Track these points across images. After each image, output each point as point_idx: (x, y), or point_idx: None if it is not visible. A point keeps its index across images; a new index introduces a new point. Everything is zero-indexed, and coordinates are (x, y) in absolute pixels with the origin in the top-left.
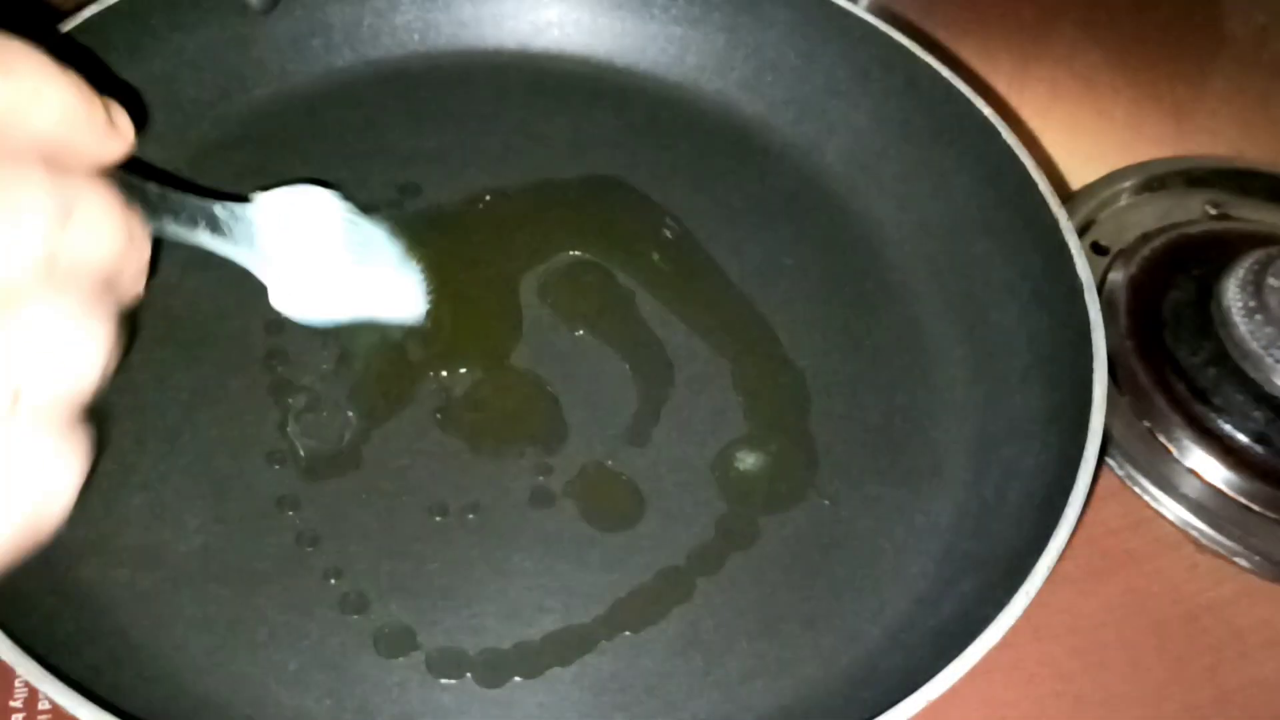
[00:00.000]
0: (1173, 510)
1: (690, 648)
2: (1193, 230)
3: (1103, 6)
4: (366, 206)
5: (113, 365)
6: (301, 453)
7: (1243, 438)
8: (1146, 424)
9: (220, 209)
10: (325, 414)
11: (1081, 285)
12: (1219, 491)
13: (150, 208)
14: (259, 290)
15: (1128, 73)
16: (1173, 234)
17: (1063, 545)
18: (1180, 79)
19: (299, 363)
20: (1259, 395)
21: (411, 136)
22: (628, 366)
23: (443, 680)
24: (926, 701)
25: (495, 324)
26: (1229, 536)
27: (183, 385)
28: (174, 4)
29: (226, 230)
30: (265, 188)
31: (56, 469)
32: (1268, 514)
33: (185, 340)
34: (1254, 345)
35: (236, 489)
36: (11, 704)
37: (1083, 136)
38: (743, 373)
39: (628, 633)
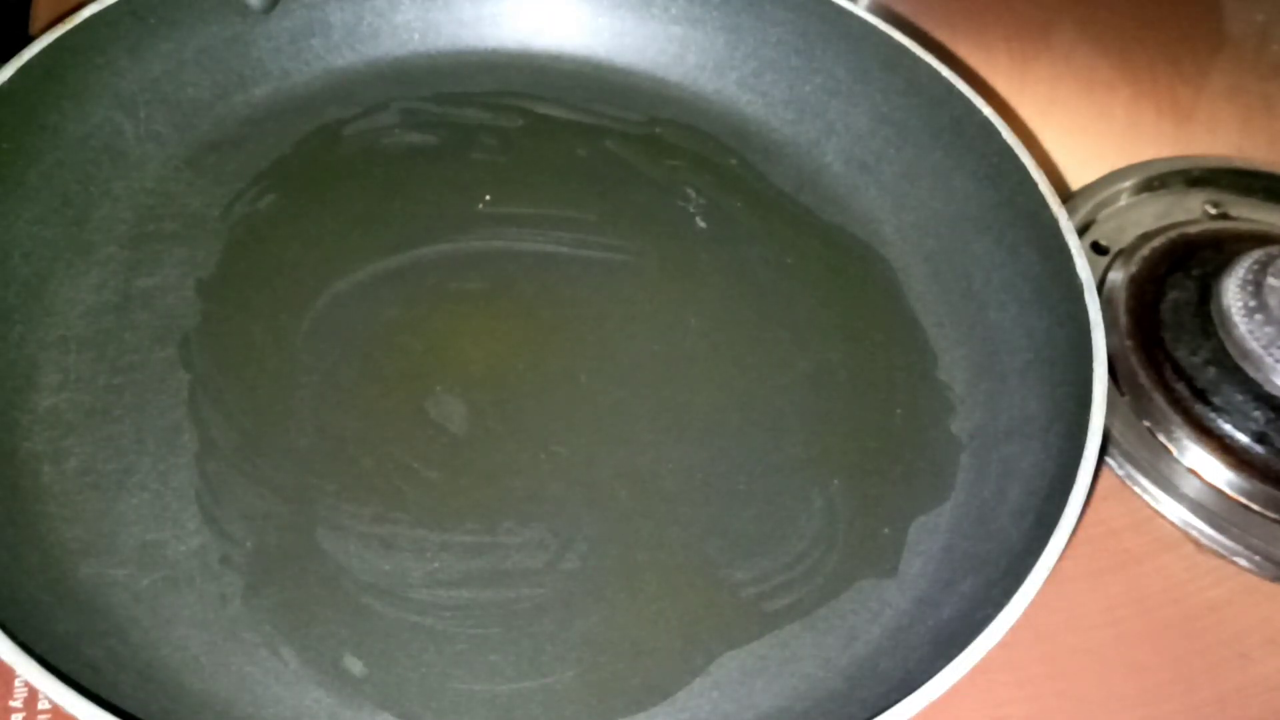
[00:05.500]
0: (1173, 510)
1: (690, 647)
2: (1193, 230)
3: (1103, 6)
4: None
5: None
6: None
7: (1243, 438)
8: (1146, 424)
9: None
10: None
11: (1081, 285)
12: (1219, 491)
13: None
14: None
15: (1128, 73)
16: (1173, 234)
17: (1063, 545)
18: (1180, 79)
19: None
20: (1259, 395)
21: (410, 137)
22: (625, 365)
23: (444, 679)
24: (926, 701)
25: (497, 331)
26: (1229, 536)
27: (182, 385)
28: (174, 4)
29: None
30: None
31: None
32: (1268, 514)
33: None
34: (1254, 345)
35: (236, 488)
36: (11, 704)
37: (1083, 136)
38: (743, 373)
39: (628, 633)
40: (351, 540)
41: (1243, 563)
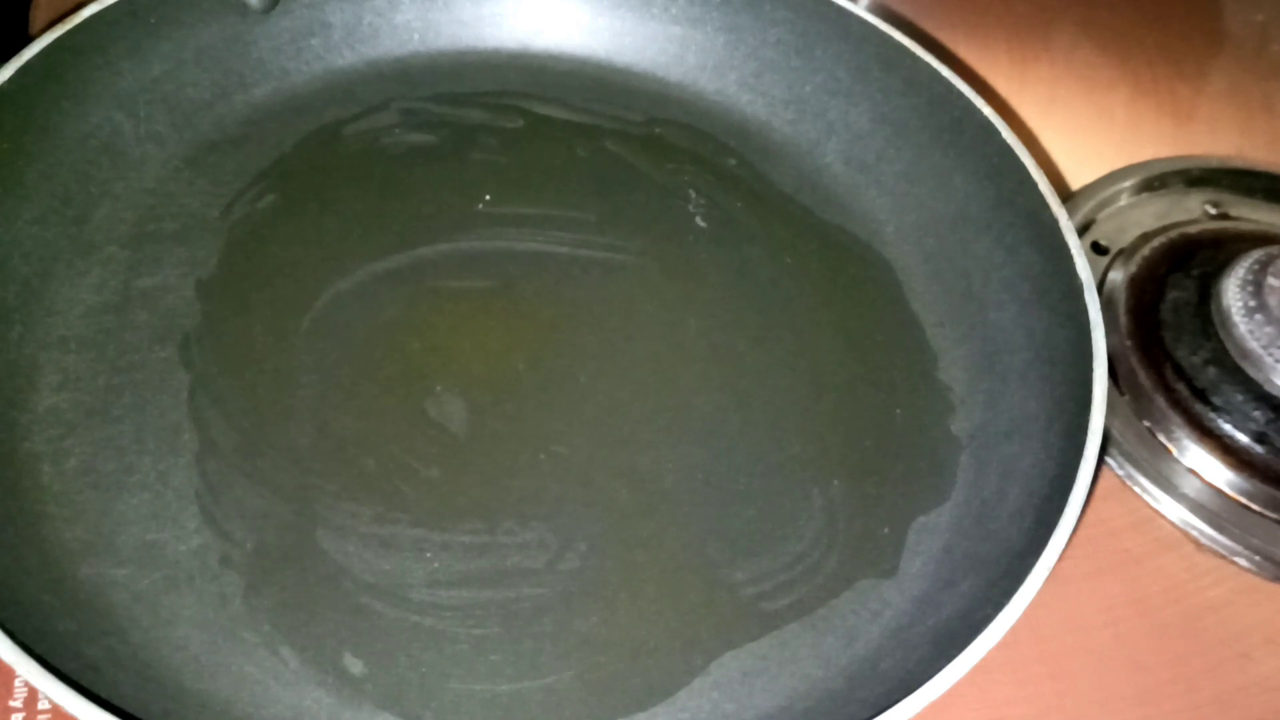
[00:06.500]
0: (1173, 510)
1: (690, 648)
2: (1193, 230)
3: (1103, 6)
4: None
5: None
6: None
7: (1243, 438)
8: (1146, 424)
9: None
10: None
11: (1081, 285)
12: (1219, 491)
13: None
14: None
15: (1128, 73)
16: (1173, 234)
17: (1063, 545)
18: (1180, 79)
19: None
20: (1259, 395)
21: (410, 137)
22: (625, 365)
23: (444, 679)
24: (926, 701)
25: (497, 331)
26: (1229, 536)
27: (182, 385)
28: (174, 4)
29: None
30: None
31: None
32: (1268, 514)
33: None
34: (1254, 345)
35: (236, 488)
36: (11, 704)
37: (1083, 136)
38: (743, 373)
39: (628, 633)
40: (351, 540)
41: (1243, 563)
